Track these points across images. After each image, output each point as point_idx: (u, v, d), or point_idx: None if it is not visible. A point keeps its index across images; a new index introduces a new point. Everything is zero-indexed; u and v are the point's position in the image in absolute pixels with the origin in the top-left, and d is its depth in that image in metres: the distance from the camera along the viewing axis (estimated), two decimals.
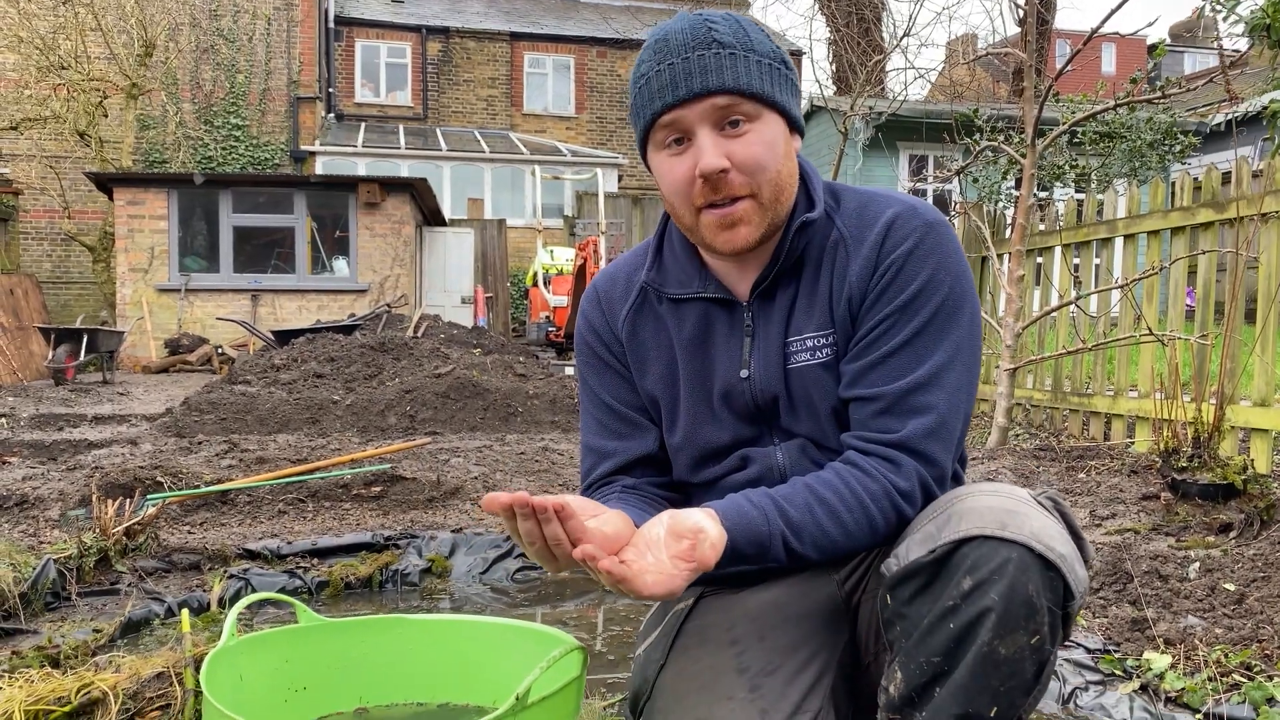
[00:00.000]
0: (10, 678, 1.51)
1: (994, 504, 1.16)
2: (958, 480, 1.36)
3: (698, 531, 1.09)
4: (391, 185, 13.40)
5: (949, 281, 1.26)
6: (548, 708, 1.07)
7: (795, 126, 1.29)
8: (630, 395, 1.43)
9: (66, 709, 1.41)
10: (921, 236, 1.27)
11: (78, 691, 1.42)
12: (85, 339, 10.05)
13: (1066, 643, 2.51)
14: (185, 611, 1.58)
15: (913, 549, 1.16)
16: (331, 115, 19.50)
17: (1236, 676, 2.22)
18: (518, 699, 1.01)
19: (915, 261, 1.26)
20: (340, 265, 13.55)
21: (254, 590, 3.24)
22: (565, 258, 14.33)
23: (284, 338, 9.63)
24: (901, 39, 8.59)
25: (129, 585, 3.11)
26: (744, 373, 1.34)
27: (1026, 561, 1.10)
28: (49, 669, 1.62)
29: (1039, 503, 1.20)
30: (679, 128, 1.24)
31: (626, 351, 1.42)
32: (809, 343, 1.31)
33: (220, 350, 12.23)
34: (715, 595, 1.40)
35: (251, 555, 3.44)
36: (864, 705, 1.38)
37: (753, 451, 1.36)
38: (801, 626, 1.32)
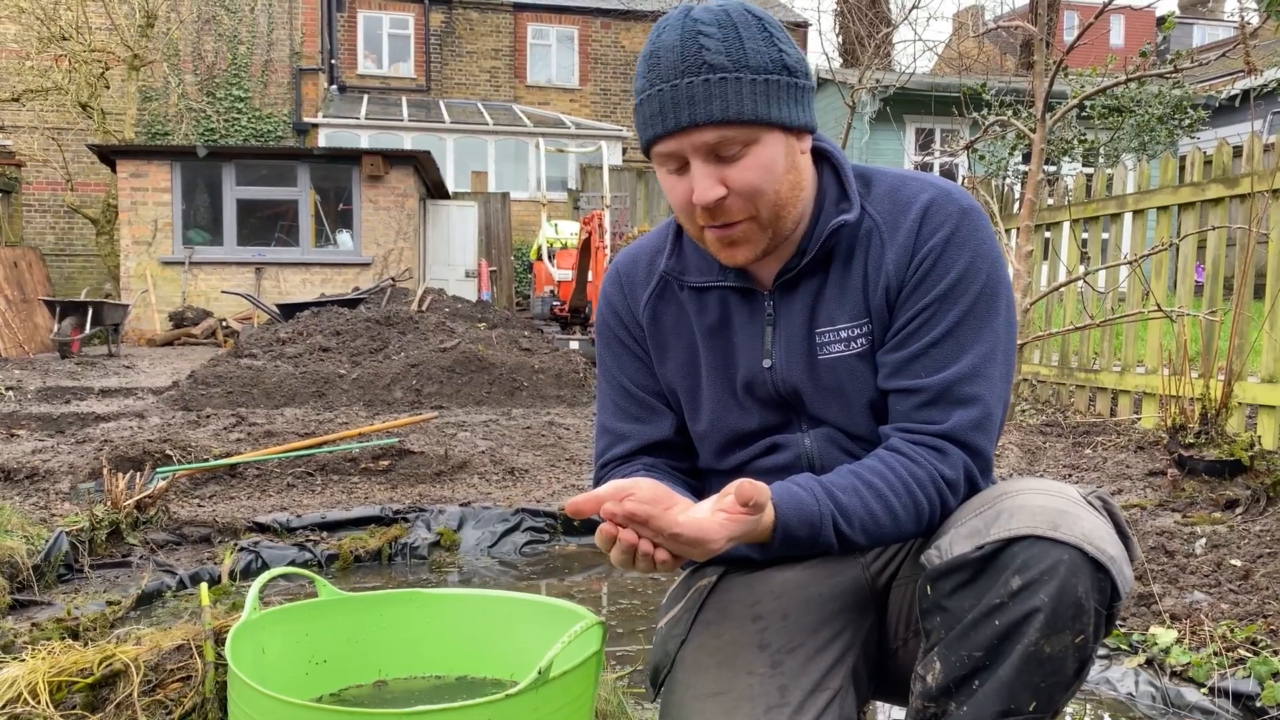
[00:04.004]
0: (32, 649, 1.53)
1: (1045, 503, 1.15)
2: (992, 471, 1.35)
3: (741, 484, 1.07)
4: (395, 158, 13.35)
5: (986, 268, 1.25)
6: (569, 682, 1.09)
7: (803, 129, 1.24)
8: (648, 380, 1.42)
9: (89, 680, 1.42)
10: (958, 223, 1.25)
11: (100, 664, 1.44)
12: (90, 312, 10.05)
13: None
14: (203, 585, 1.59)
15: (957, 543, 1.15)
16: (334, 87, 19.36)
17: (1242, 651, 2.23)
18: (540, 673, 1.02)
19: (953, 249, 1.24)
20: (344, 238, 13.53)
21: (264, 562, 3.26)
22: (569, 231, 14.26)
23: (288, 311, 9.63)
24: (910, 11, 8.51)
25: (141, 558, 3.13)
26: (766, 362, 1.33)
27: (1078, 563, 1.11)
28: (69, 641, 1.64)
29: (1089, 502, 1.20)
30: (674, 156, 1.21)
31: (647, 337, 1.41)
32: (843, 333, 1.29)
33: (224, 323, 12.24)
34: (739, 573, 1.41)
35: (261, 528, 3.47)
36: (889, 687, 1.40)
37: (781, 439, 1.35)
38: (826, 606, 1.32)
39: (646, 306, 1.40)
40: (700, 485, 1.43)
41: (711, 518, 1.07)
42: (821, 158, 1.34)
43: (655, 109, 1.19)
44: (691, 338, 1.38)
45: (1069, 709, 2.21)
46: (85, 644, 1.60)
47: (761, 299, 1.34)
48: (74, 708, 1.42)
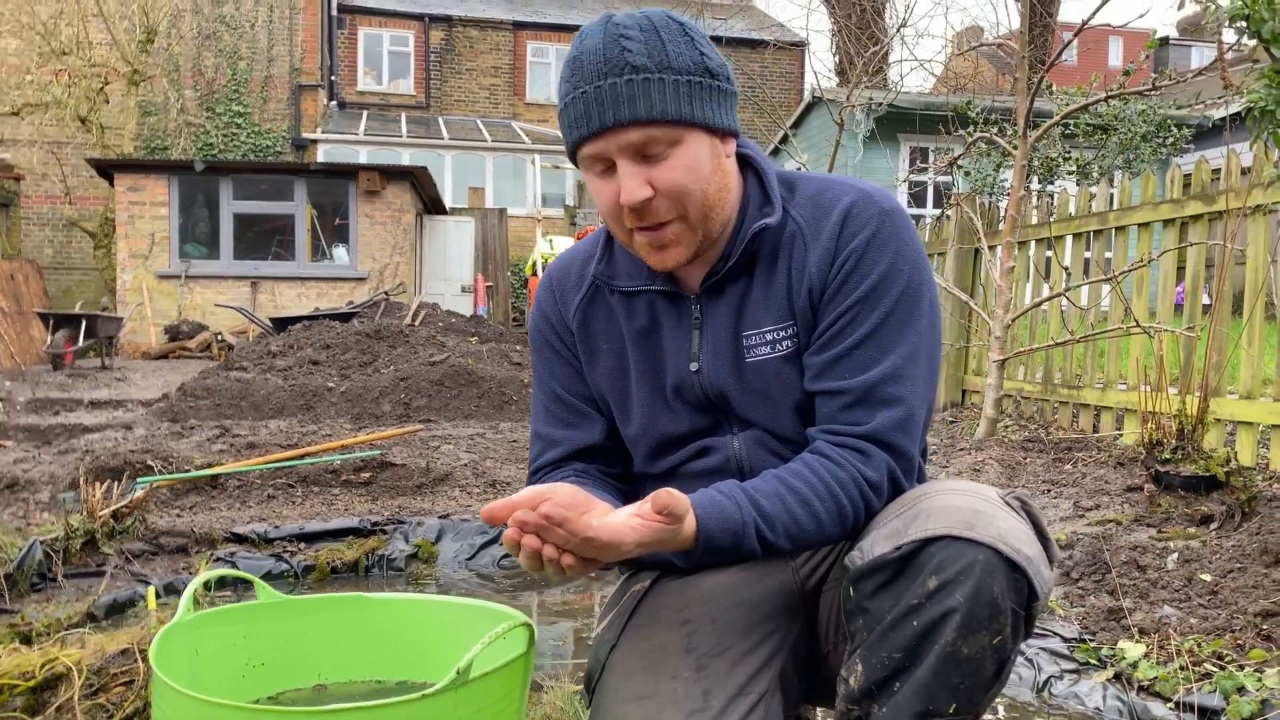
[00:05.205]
0: None
1: (962, 503, 1.15)
2: (921, 473, 1.35)
3: (659, 493, 1.08)
4: (392, 173, 13.41)
5: (908, 270, 1.25)
6: (491, 683, 1.08)
7: (727, 132, 1.26)
8: (579, 385, 1.43)
9: (31, 684, 1.43)
10: (879, 224, 1.26)
11: (42, 666, 1.44)
12: (84, 324, 10.08)
13: (1043, 632, 2.54)
14: (150, 590, 1.60)
15: (878, 544, 1.16)
16: (333, 103, 19.47)
17: (1208, 666, 2.23)
18: (458, 674, 1.02)
19: (874, 250, 1.25)
20: (340, 253, 13.57)
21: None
22: (565, 247, 14.32)
23: (281, 325, 9.65)
24: (899, 29, 8.57)
25: (116, 567, 3.12)
26: (694, 365, 1.34)
27: (993, 563, 1.11)
28: (19, 645, 1.64)
29: (1006, 503, 1.20)
30: (600, 158, 1.22)
31: (577, 342, 1.42)
32: (768, 336, 1.30)
33: (219, 337, 12.26)
34: (672, 577, 1.41)
35: (239, 539, 3.47)
36: (821, 690, 1.39)
37: (711, 441, 1.36)
38: (755, 610, 1.33)
39: (577, 312, 1.41)
40: (633, 490, 1.44)
41: (625, 521, 1.08)
42: (746, 164, 1.35)
43: (580, 111, 1.20)
44: (621, 342, 1.39)
45: None
46: (35, 648, 1.60)
47: (688, 303, 1.34)
48: (15, 710, 1.42)
